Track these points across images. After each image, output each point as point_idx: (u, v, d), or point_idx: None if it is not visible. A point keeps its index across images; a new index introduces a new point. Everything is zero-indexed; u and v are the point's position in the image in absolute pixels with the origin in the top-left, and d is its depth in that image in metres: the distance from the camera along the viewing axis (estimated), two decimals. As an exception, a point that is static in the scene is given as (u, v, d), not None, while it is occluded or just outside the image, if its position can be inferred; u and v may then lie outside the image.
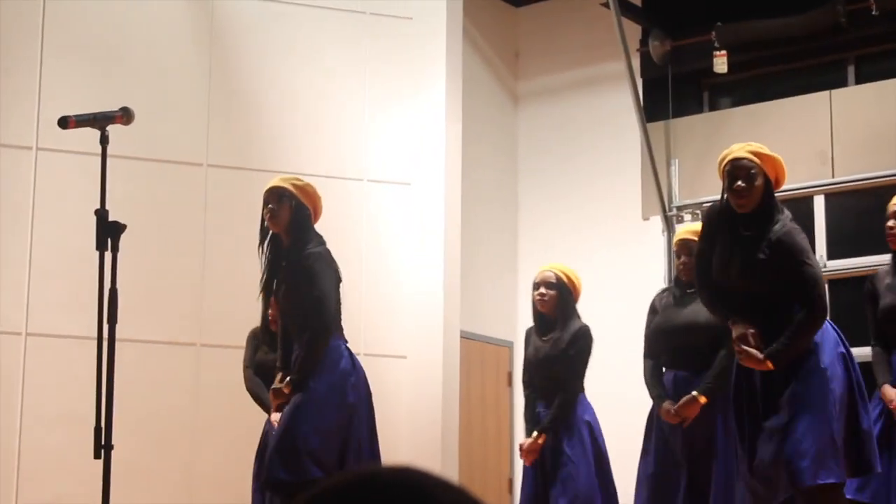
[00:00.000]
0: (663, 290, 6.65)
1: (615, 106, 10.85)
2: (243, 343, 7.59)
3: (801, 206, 9.45)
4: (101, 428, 4.74)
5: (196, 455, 8.73)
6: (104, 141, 5.03)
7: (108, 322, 4.83)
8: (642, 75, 10.74)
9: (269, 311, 7.09)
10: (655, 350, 6.40)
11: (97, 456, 4.74)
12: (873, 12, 9.60)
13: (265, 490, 6.27)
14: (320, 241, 6.09)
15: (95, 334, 4.86)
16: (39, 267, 8.47)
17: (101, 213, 4.90)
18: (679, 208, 10.48)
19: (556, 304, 7.06)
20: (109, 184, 5.00)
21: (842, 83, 10.27)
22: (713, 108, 11.02)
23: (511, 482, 10.80)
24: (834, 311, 6.90)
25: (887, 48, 10.09)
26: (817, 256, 8.14)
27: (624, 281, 10.45)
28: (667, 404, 6.19)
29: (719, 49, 10.19)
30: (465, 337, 10.17)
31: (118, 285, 4.88)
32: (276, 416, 6.79)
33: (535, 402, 7.10)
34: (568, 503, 6.76)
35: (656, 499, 6.25)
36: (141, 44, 9.06)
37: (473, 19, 10.82)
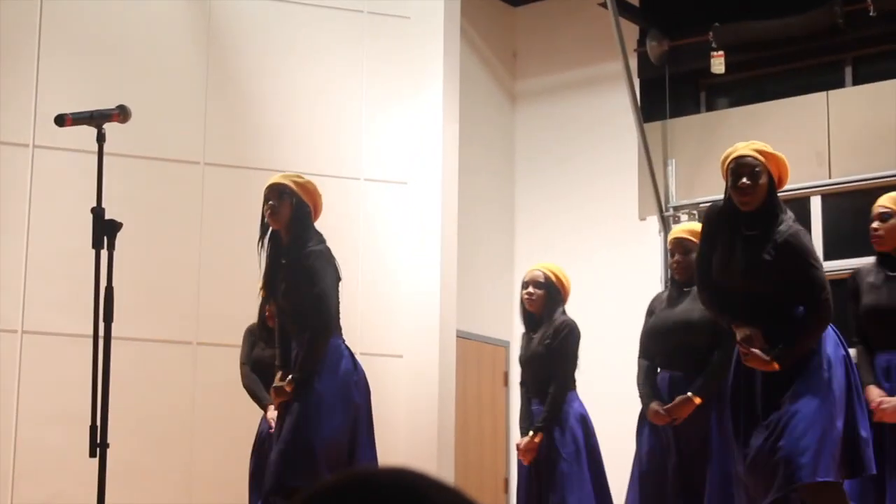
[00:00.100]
0: (661, 293, 6.64)
1: (612, 106, 10.85)
2: (240, 341, 7.59)
3: (798, 206, 9.43)
4: (96, 426, 4.74)
5: (193, 453, 8.73)
6: (101, 139, 5.02)
7: (104, 320, 4.83)
8: (640, 75, 10.75)
9: (266, 307, 7.09)
10: (651, 351, 6.39)
11: (93, 455, 4.74)
12: (871, 13, 9.60)
13: (273, 498, 6.06)
14: (320, 238, 6.08)
15: (91, 332, 4.86)
16: (36, 265, 8.46)
17: (98, 211, 4.90)
18: (676, 208, 10.48)
19: (544, 303, 7.10)
20: (106, 181, 5.00)
21: (839, 84, 10.27)
22: (710, 108, 11.03)
23: (507, 482, 10.80)
24: (830, 312, 6.89)
25: (885, 49, 10.09)
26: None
27: (621, 281, 10.46)
28: (654, 405, 6.17)
29: (717, 50, 10.20)
30: (462, 336, 10.17)
31: (115, 283, 4.88)
32: (272, 414, 6.78)
33: (529, 401, 7.12)
34: (562, 501, 6.78)
35: (648, 498, 6.24)
36: (138, 41, 9.06)
37: (471, 19, 10.82)
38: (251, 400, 7.36)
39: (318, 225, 6.20)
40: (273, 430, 6.32)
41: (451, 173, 9.80)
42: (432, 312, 9.51)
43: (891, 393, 5.98)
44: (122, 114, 5.11)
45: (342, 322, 6.12)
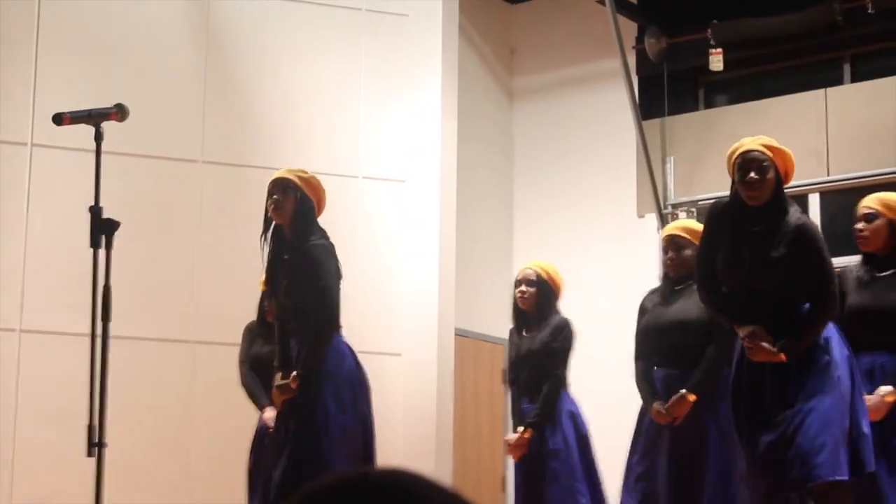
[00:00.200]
0: (652, 291, 6.59)
1: (611, 103, 10.85)
2: (239, 340, 7.57)
3: (796, 204, 9.44)
4: (93, 426, 4.73)
5: (191, 452, 8.73)
6: (98, 138, 5.01)
7: (102, 319, 4.82)
8: (638, 73, 10.74)
9: (266, 303, 7.07)
10: (646, 350, 6.37)
11: (90, 454, 4.73)
12: (869, 10, 9.60)
13: None
14: (323, 234, 6.05)
15: (90, 331, 4.86)
16: (34, 263, 8.45)
17: (95, 210, 4.89)
18: (674, 206, 10.47)
19: (536, 302, 7.11)
20: (104, 180, 4.99)
21: (837, 81, 10.27)
22: (709, 105, 11.02)
23: (504, 480, 10.79)
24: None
25: (883, 47, 10.09)
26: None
27: (619, 278, 10.44)
28: (657, 405, 6.16)
29: (715, 47, 10.19)
30: (460, 334, 10.17)
31: (113, 282, 4.87)
32: (269, 415, 6.77)
33: (520, 399, 7.13)
34: (554, 498, 6.80)
35: (643, 498, 6.23)
36: (137, 40, 9.05)
37: (469, 16, 10.81)
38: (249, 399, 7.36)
39: (317, 223, 6.19)
40: (272, 430, 6.26)
41: (450, 171, 9.80)
42: (430, 310, 9.51)
43: None
44: (119, 112, 5.10)
45: (341, 320, 6.11)
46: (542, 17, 11.52)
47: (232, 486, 7.66)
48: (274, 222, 6.10)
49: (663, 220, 10.38)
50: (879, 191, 6.47)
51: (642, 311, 6.46)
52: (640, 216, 10.71)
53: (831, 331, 5.26)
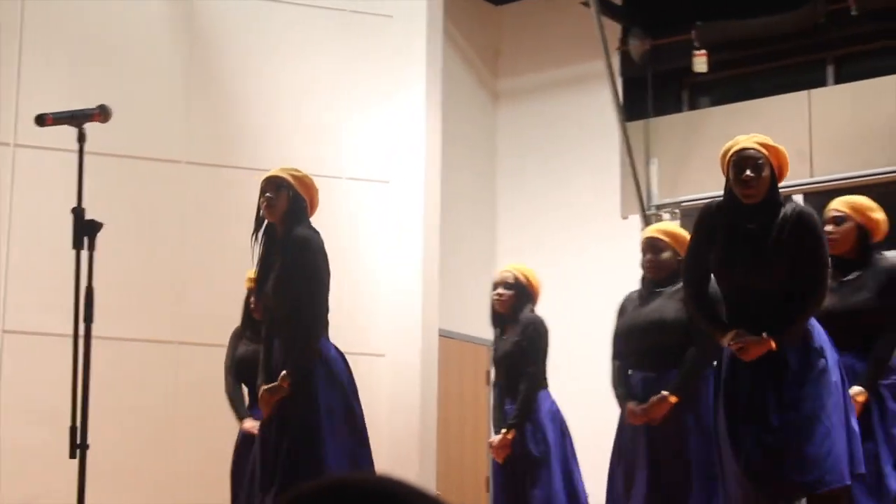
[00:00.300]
0: (632, 292, 6.57)
1: (595, 105, 10.86)
2: (222, 341, 7.53)
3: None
4: (76, 427, 4.72)
5: (175, 453, 8.71)
6: (81, 139, 4.99)
7: (85, 320, 4.81)
8: (622, 74, 10.76)
9: (252, 299, 7.02)
10: (623, 351, 6.36)
11: (73, 455, 4.71)
12: (853, 12, 9.63)
13: None
14: (316, 233, 6.05)
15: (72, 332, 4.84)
16: (17, 264, 8.43)
17: (78, 212, 4.88)
18: (658, 207, 10.49)
19: (513, 304, 7.11)
20: (88, 181, 4.97)
21: (821, 83, 10.30)
22: (693, 107, 11.04)
23: (488, 480, 10.79)
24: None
25: (866, 48, 10.12)
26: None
27: (603, 279, 10.45)
28: (631, 405, 6.14)
29: (699, 48, 10.21)
30: (444, 335, 10.17)
31: (96, 283, 4.85)
32: (249, 425, 6.76)
33: (502, 401, 7.13)
34: (533, 498, 6.81)
35: (624, 497, 6.23)
36: (121, 40, 9.03)
37: (454, 18, 10.81)
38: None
39: (301, 223, 6.17)
40: (259, 432, 6.16)
41: (433, 172, 9.79)
42: (414, 311, 9.51)
43: None
44: (102, 114, 5.08)
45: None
46: (526, 18, 11.53)
47: (216, 486, 7.64)
48: (266, 221, 6.09)
49: (647, 222, 10.39)
50: (863, 191, 6.49)
51: (621, 312, 6.45)
52: (624, 217, 10.72)
53: (823, 336, 5.25)
